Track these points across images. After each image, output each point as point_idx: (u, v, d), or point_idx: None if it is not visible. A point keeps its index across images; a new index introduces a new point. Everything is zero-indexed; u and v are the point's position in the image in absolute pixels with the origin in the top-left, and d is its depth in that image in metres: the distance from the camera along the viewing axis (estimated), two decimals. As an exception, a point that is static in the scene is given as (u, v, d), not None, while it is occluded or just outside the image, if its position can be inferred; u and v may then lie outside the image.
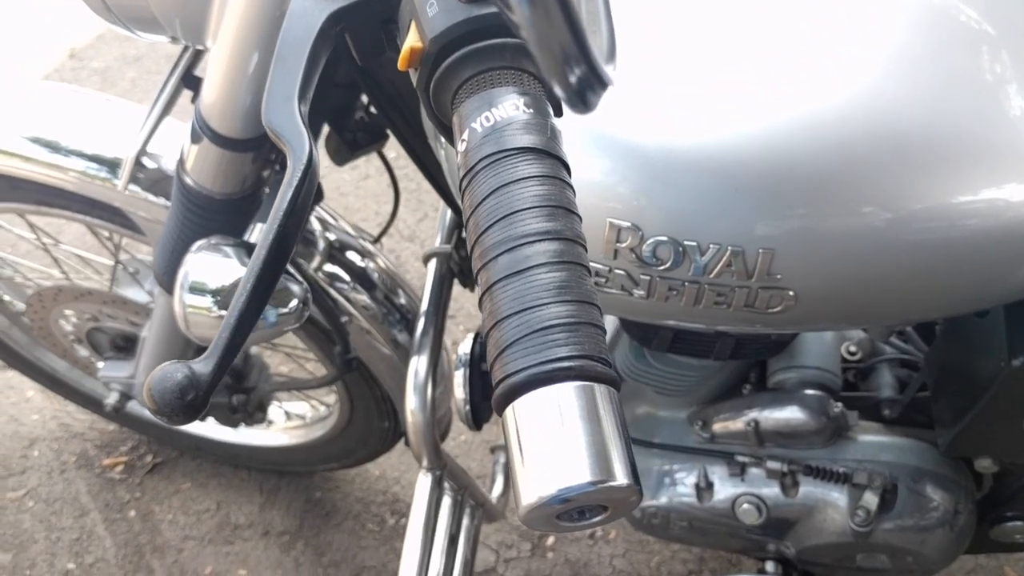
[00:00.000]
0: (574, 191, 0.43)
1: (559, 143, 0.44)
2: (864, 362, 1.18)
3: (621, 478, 0.36)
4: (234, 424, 1.41)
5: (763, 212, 0.65)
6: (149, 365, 1.27)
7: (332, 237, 1.21)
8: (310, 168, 0.46)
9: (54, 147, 1.14)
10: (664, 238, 0.67)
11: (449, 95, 0.46)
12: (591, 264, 0.70)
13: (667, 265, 0.68)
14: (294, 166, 0.46)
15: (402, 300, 1.28)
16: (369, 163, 2.34)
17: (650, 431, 1.22)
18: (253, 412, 1.38)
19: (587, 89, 0.36)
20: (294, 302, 0.79)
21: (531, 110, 0.43)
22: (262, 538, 1.72)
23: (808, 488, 1.10)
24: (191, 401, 0.41)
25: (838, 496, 1.09)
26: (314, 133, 0.87)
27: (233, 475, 1.81)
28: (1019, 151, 0.70)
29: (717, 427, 1.14)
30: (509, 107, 0.43)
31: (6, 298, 1.57)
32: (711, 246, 0.66)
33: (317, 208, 1.22)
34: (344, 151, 0.93)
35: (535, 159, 0.42)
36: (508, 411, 0.38)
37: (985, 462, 1.04)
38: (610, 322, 1.18)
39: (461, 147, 0.44)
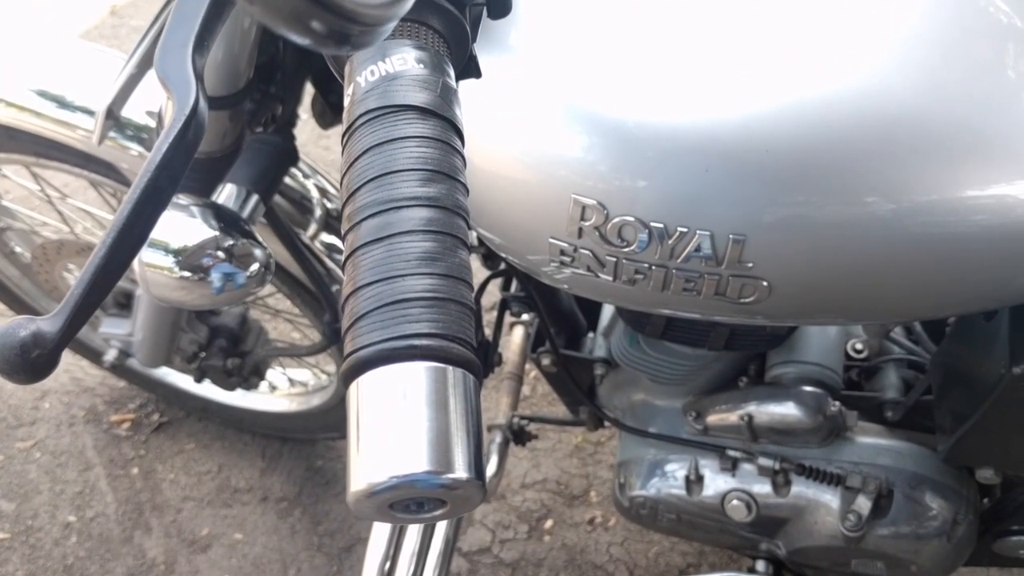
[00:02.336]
0: (463, 158, 0.40)
1: (453, 104, 0.41)
2: (870, 361, 1.13)
3: (460, 471, 0.33)
4: (231, 387, 1.40)
5: (734, 196, 0.61)
6: (144, 323, 1.27)
7: (330, 206, 1.19)
8: (193, 119, 0.42)
9: (60, 102, 1.13)
10: (630, 218, 0.63)
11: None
12: (555, 241, 0.67)
13: (633, 247, 0.64)
14: (175, 115, 0.43)
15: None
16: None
17: (644, 420, 1.18)
18: (248, 376, 1.37)
19: (338, 30, 0.34)
20: (255, 266, 0.77)
21: (422, 65, 0.40)
22: (260, 503, 1.72)
23: (800, 488, 1.06)
24: (35, 359, 0.38)
25: (830, 498, 1.05)
26: (295, 94, 0.85)
27: (237, 439, 1.81)
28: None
29: (711, 419, 1.10)
30: (398, 60, 0.40)
31: (17, 250, 1.57)
32: (678, 229, 0.62)
33: (317, 176, 1.20)
34: (329, 114, 0.90)
35: (419, 118, 0.39)
36: (352, 386, 0.35)
37: (986, 472, 0.99)
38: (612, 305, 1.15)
39: (347, 100, 0.41)
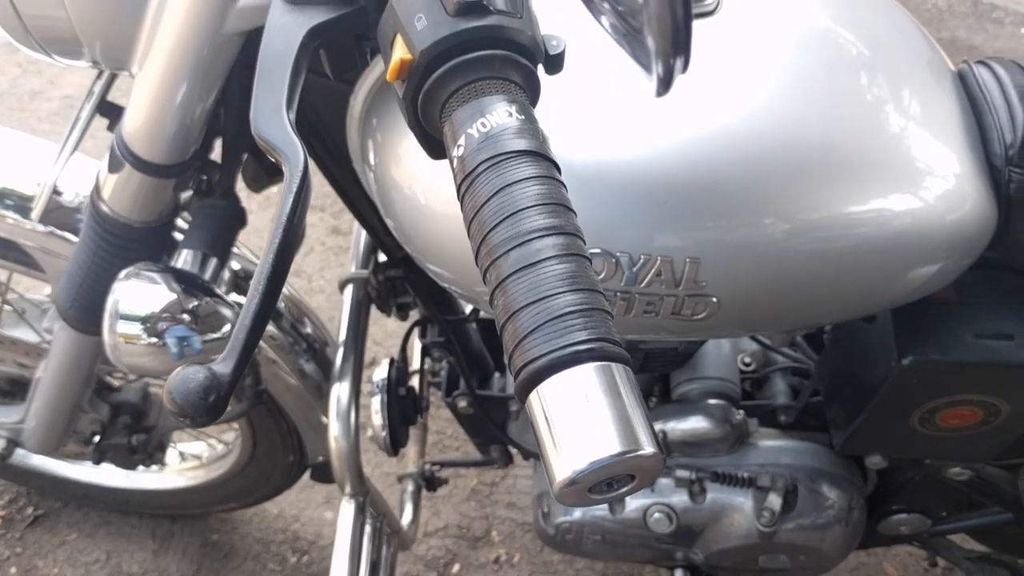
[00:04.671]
0: (567, 190, 0.46)
1: (549, 146, 0.46)
2: (758, 372, 1.25)
3: (647, 447, 0.39)
4: (132, 465, 1.36)
5: (689, 224, 0.70)
6: (44, 406, 1.22)
7: (237, 266, 1.20)
8: (306, 173, 0.47)
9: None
10: (597, 250, 0.70)
11: (438, 105, 0.48)
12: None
13: (600, 276, 0.71)
14: (291, 173, 0.47)
15: (308, 329, 1.28)
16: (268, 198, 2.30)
17: (559, 450, 1.24)
18: (153, 452, 1.34)
19: (675, 73, 0.44)
20: (227, 326, 0.78)
21: (522, 116, 0.46)
22: (157, 586, 1.66)
23: (715, 494, 1.15)
24: (213, 403, 0.42)
25: (743, 500, 1.15)
26: (236, 159, 0.87)
27: (123, 522, 1.74)
28: (899, 164, 0.77)
29: (626, 441, 1.17)
30: (502, 114, 0.46)
31: None
32: (642, 256, 0.70)
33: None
34: (262, 177, 0.93)
35: (532, 161, 0.44)
36: (532, 396, 0.40)
37: (875, 459, 1.12)
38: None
39: (457, 152, 0.46)
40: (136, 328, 0.78)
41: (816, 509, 1.14)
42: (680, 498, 1.16)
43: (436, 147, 0.52)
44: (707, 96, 0.72)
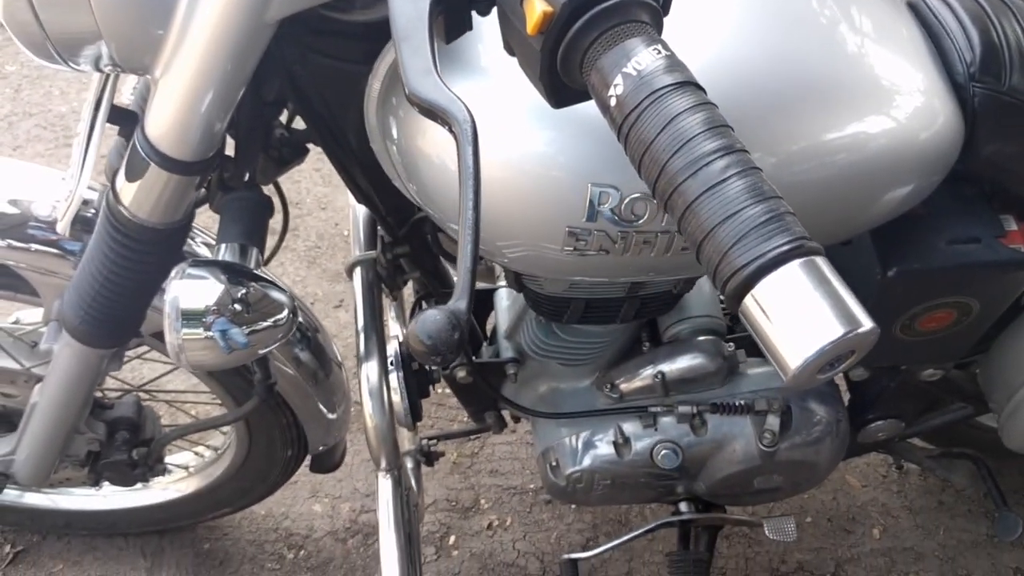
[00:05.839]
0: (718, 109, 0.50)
1: (692, 75, 0.51)
2: (734, 307, 1.32)
3: (865, 323, 0.44)
4: (132, 482, 1.35)
5: None
6: (40, 432, 1.20)
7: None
8: (475, 124, 0.51)
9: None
10: (638, 194, 0.75)
11: (579, 54, 0.52)
12: (572, 227, 0.77)
13: (643, 219, 0.76)
14: (461, 129, 0.51)
15: (299, 318, 1.29)
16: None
17: (556, 405, 1.29)
18: (153, 465, 1.33)
19: None
20: (284, 312, 0.80)
21: (667, 52, 0.51)
22: (156, 603, 1.65)
23: (715, 424, 1.22)
24: (459, 339, 0.46)
25: (742, 426, 1.22)
26: (252, 155, 0.88)
27: (109, 545, 1.71)
28: (871, 87, 0.83)
29: (625, 386, 1.23)
30: (649, 53, 0.50)
31: None
32: None
33: (204, 234, 1.21)
34: (271, 168, 0.94)
35: (689, 91, 0.49)
36: (747, 300, 0.45)
37: (858, 371, 1.21)
38: (515, 306, 1.25)
39: (614, 93, 0.50)
40: (197, 325, 0.79)
41: (808, 425, 1.22)
42: (683, 433, 1.23)
43: (565, 96, 0.56)
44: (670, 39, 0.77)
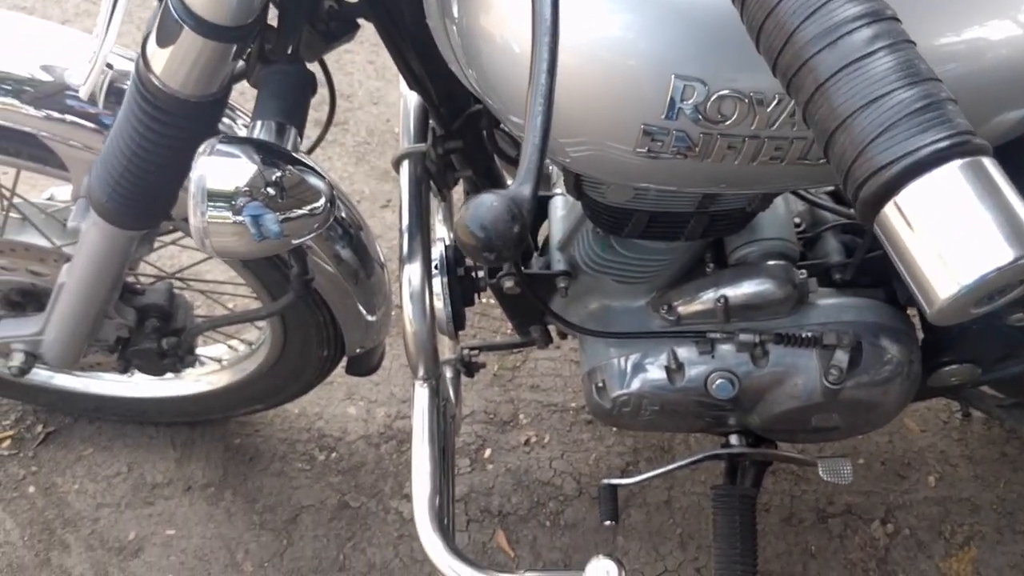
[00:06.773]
0: None
1: None
2: (808, 232, 1.22)
3: None
4: (162, 371, 1.31)
5: None
6: (68, 313, 1.15)
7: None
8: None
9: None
10: (727, 91, 0.65)
11: None
12: (648, 125, 0.68)
13: (730, 121, 0.66)
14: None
15: (342, 213, 1.21)
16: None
17: (607, 323, 1.21)
18: (184, 356, 1.28)
19: None
20: (322, 200, 0.72)
21: None
22: (185, 494, 1.63)
23: (778, 355, 1.14)
24: (519, 232, 0.37)
25: (807, 360, 1.13)
26: (294, 26, 0.80)
27: (140, 433, 1.69)
28: None
29: (683, 309, 1.15)
30: None
31: None
32: (776, 95, 0.65)
33: (246, 116, 1.13)
34: (317, 43, 0.86)
35: None
36: (888, 209, 0.35)
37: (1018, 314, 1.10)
38: (572, 215, 1.16)
39: None
40: (225, 208, 0.71)
41: (878, 364, 1.13)
42: (742, 363, 1.14)
43: None
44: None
